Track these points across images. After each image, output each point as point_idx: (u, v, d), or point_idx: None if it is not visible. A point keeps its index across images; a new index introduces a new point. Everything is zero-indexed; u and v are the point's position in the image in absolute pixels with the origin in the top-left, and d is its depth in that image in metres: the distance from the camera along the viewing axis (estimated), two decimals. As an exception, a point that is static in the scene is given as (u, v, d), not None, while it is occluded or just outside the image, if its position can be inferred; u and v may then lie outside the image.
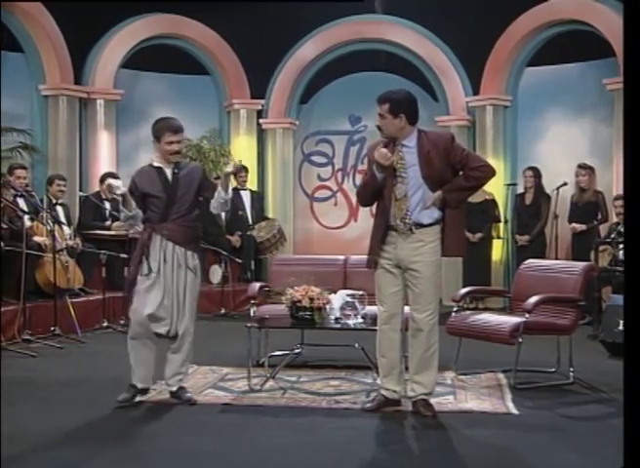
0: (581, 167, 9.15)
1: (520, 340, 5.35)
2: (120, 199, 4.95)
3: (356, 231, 10.84)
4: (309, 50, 11.00)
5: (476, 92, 10.50)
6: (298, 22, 10.77)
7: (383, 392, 4.85)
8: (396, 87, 5.03)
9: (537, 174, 9.54)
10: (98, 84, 10.17)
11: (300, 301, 5.46)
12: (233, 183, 10.26)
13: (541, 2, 9.96)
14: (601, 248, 8.18)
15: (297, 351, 6.16)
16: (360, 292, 5.60)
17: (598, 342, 6.83)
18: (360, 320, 5.47)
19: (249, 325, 5.54)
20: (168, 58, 10.73)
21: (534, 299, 5.46)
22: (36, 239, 7.64)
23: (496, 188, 9.60)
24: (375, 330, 4.91)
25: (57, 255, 7.54)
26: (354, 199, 9.78)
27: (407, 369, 4.86)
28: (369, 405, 4.86)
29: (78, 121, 10.05)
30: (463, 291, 6.31)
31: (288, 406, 4.96)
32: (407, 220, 4.67)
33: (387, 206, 4.70)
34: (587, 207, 9.09)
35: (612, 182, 9.25)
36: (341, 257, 6.93)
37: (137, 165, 7.62)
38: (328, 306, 5.52)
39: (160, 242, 4.92)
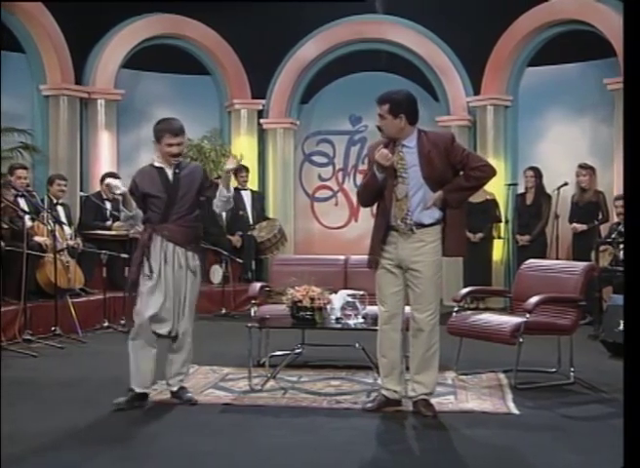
0: (582, 167, 9.15)
1: (521, 340, 5.35)
2: (120, 199, 4.94)
3: (357, 231, 10.84)
4: (310, 50, 11.01)
5: (477, 92, 10.50)
6: (298, 22, 10.78)
7: (384, 392, 4.85)
8: (397, 87, 5.04)
9: (537, 174, 9.54)
10: (98, 84, 10.18)
11: (300, 301, 5.46)
12: (234, 183, 10.31)
13: (542, 2, 9.97)
14: (602, 248, 8.18)
15: (297, 351, 6.16)
16: (361, 293, 5.60)
17: (599, 342, 6.83)
18: (361, 320, 5.47)
19: (249, 325, 5.55)
20: (169, 59, 10.74)
21: (534, 299, 5.46)
22: (37, 239, 7.64)
23: (496, 188, 9.60)
24: (375, 330, 4.91)
25: (57, 255, 7.54)
26: (355, 199, 9.78)
27: (408, 369, 4.86)
28: (370, 405, 4.86)
29: (79, 121, 10.05)
30: (464, 291, 6.32)
31: (289, 406, 4.96)
32: (408, 221, 4.67)
33: (388, 206, 4.70)
34: (588, 207, 9.08)
35: (612, 182, 9.25)
36: (342, 257, 6.93)
37: (137, 165, 7.62)
38: (329, 306, 5.52)
39: (161, 243, 4.91)
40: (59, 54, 9.76)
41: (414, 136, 4.70)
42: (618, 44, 8.93)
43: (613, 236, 8.18)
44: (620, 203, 8.20)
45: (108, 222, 9.06)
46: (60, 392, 5.31)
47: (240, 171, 10.38)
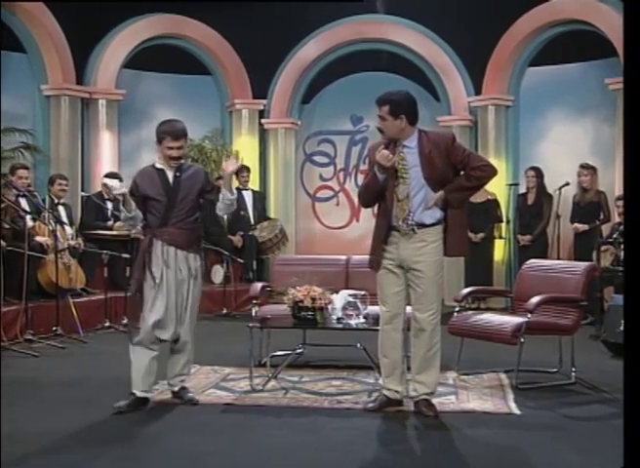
0: (584, 167, 9.15)
1: (522, 340, 5.35)
2: (120, 199, 4.94)
3: (358, 231, 10.84)
4: (311, 50, 11.01)
5: (478, 92, 10.50)
6: (299, 23, 10.78)
7: (385, 392, 4.85)
8: (398, 87, 5.04)
9: (539, 174, 9.54)
10: (100, 84, 10.18)
11: (301, 301, 5.46)
12: (235, 183, 10.31)
13: (543, 2, 9.97)
14: (603, 248, 8.18)
15: (298, 351, 6.16)
16: (362, 292, 5.60)
17: (600, 342, 6.82)
18: (362, 320, 5.46)
19: (251, 325, 5.55)
20: (170, 59, 10.74)
21: (536, 299, 5.46)
22: (38, 239, 7.65)
23: (498, 188, 9.60)
24: (377, 330, 4.91)
25: (59, 255, 7.54)
26: (356, 199, 9.78)
27: (409, 369, 4.86)
28: (371, 405, 4.86)
29: (80, 121, 10.05)
30: (465, 291, 6.32)
31: (290, 406, 4.96)
32: (409, 221, 4.67)
33: (389, 207, 4.70)
34: (589, 207, 9.08)
35: (614, 182, 9.25)
36: (343, 257, 6.93)
37: (138, 165, 7.62)
38: (330, 306, 5.52)
39: (161, 247, 4.88)
40: (60, 54, 9.76)
41: (414, 136, 4.70)
42: (619, 44, 8.93)
43: (614, 236, 8.17)
44: (622, 203, 8.19)
45: (110, 222, 9.06)
46: (61, 392, 5.31)
47: (241, 171, 10.37)
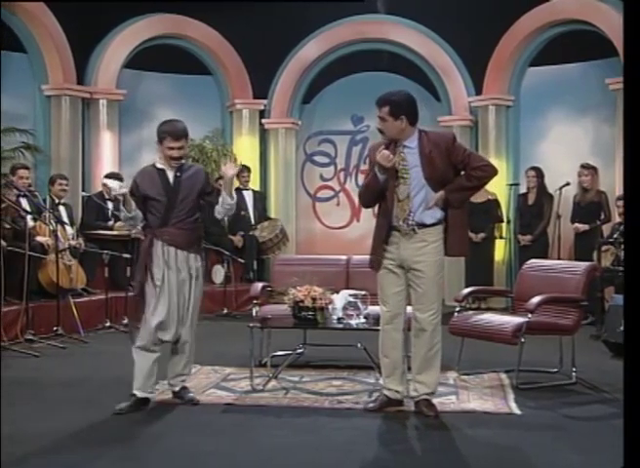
0: (584, 167, 9.15)
1: (522, 340, 5.35)
2: (121, 199, 4.93)
3: (359, 231, 10.84)
4: (312, 50, 11.01)
5: (479, 92, 10.50)
6: (300, 23, 10.78)
7: (386, 392, 4.85)
8: (399, 87, 5.04)
9: (539, 173, 9.54)
10: (100, 84, 10.19)
11: (302, 301, 5.45)
12: (236, 183, 10.32)
13: (544, 2, 9.97)
14: (604, 248, 8.18)
15: (299, 351, 6.16)
16: (362, 292, 5.60)
17: (601, 342, 6.82)
18: (362, 320, 5.46)
19: (251, 325, 5.55)
20: (170, 59, 10.74)
21: (536, 299, 5.46)
22: (39, 239, 7.65)
23: (498, 188, 9.60)
24: (377, 330, 4.92)
25: (59, 255, 7.54)
26: (356, 199, 9.77)
27: (409, 369, 4.86)
28: (371, 405, 4.86)
29: (81, 121, 10.06)
30: (466, 291, 6.32)
31: (290, 406, 4.96)
32: (410, 221, 4.67)
33: (390, 207, 4.70)
34: (590, 207, 9.08)
35: (614, 182, 9.24)
36: (344, 257, 6.94)
37: (139, 165, 7.61)
38: (330, 306, 5.52)
39: (162, 247, 4.88)
40: (60, 54, 9.76)
41: (415, 136, 4.70)
42: (619, 44, 8.93)
43: (615, 236, 8.17)
44: (622, 203, 8.19)
45: (110, 222, 9.07)
46: (61, 392, 5.31)
47: (242, 171, 10.38)
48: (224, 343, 7.15)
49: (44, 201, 8.30)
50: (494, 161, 7.44)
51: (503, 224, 9.78)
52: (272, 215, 10.80)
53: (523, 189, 9.85)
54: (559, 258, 8.60)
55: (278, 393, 5.27)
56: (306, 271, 5.89)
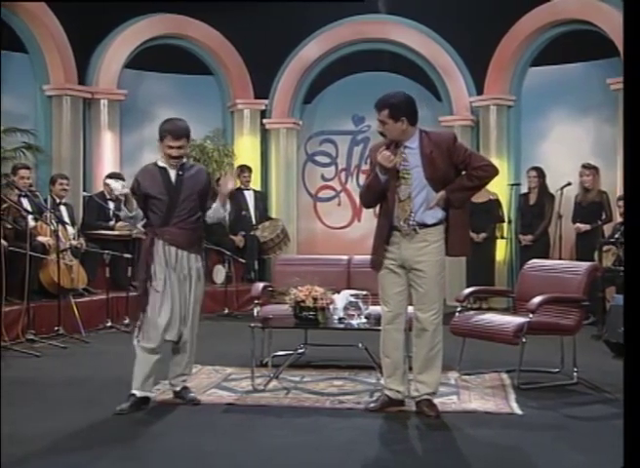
0: (586, 167, 9.14)
1: (524, 340, 5.35)
2: (122, 199, 4.93)
3: (360, 231, 10.83)
4: (313, 50, 11.01)
5: (480, 92, 10.50)
6: (301, 23, 10.78)
7: (387, 392, 4.85)
8: (400, 87, 5.04)
9: (540, 174, 9.54)
10: (101, 84, 10.19)
11: (303, 301, 5.45)
12: (237, 183, 10.33)
13: (545, 2, 9.96)
14: (605, 248, 8.17)
15: (300, 351, 6.15)
16: (364, 292, 5.60)
17: (602, 342, 6.81)
18: (364, 320, 5.46)
19: (252, 325, 5.55)
20: (171, 59, 10.74)
21: (537, 299, 5.46)
22: (40, 239, 7.65)
23: (499, 188, 9.60)
24: (378, 330, 4.92)
25: (60, 255, 7.54)
26: (357, 199, 9.78)
27: (411, 369, 4.86)
28: (372, 405, 4.86)
29: (82, 121, 10.05)
30: (467, 291, 6.33)
31: (291, 406, 4.96)
32: (411, 221, 4.67)
33: (391, 207, 4.69)
34: (591, 207, 9.08)
35: (616, 182, 9.24)
36: (345, 257, 6.94)
37: (140, 165, 7.54)
38: (331, 306, 5.52)
39: (163, 247, 4.87)
40: (61, 54, 9.76)
41: (415, 136, 4.70)
42: (620, 43, 8.92)
43: (616, 236, 8.17)
44: (623, 203, 8.19)
45: (111, 222, 9.07)
46: (62, 392, 5.31)
47: (243, 171, 10.42)
48: (226, 343, 7.15)
49: (45, 201, 8.30)
50: (495, 161, 7.43)
51: (505, 224, 9.78)
52: (273, 215, 10.79)
53: (524, 189, 9.85)
54: (560, 258, 8.59)
55: (279, 393, 5.27)
56: (307, 271, 5.90)
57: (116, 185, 4.95)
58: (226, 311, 9.28)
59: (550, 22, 10.00)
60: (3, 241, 7.01)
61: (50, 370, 6.02)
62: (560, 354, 5.79)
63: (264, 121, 11.09)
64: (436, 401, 4.81)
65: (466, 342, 5.83)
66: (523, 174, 10.02)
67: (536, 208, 9.51)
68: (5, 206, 7.40)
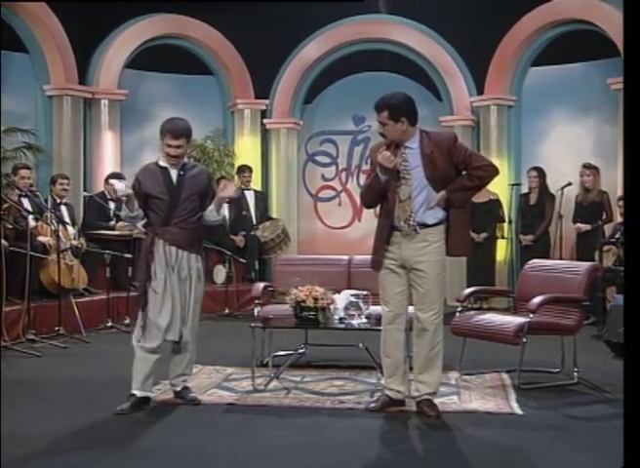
0: (586, 167, 9.14)
1: (524, 340, 5.35)
2: (124, 199, 4.93)
3: (360, 231, 10.83)
4: (313, 50, 11.01)
5: (480, 92, 10.50)
6: (301, 23, 10.78)
7: (387, 392, 4.85)
8: (400, 87, 5.05)
9: (541, 174, 9.54)
10: (102, 84, 10.19)
11: (304, 301, 5.45)
12: (237, 183, 10.33)
13: (545, 2, 9.96)
14: (605, 248, 8.17)
15: (300, 351, 6.15)
16: (364, 293, 5.60)
17: (602, 342, 6.81)
18: (364, 320, 5.46)
19: (253, 325, 5.55)
20: (172, 59, 10.75)
21: (538, 299, 5.46)
22: (41, 239, 7.65)
23: (500, 188, 9.60)
24: (379, 330, 4.92)
25: (61, 255, 7.54)
26: (358, 199, 9.78)
27: (411, 369, 4.86)
28: (373, 405, 4.86)
29: (82, 121, 10.06)
30: (468, 291, 6.32)
31: (292, 406, 4.96)
32: (411, 221, 4.67)
33: (391, 207, 4.70)
34: (592, 207, 9.07)
35: (616, 182, 9.23)
36: (345, 257, 6.94)
37: (141, 165, 7.52)
38: (332, 306, 5.52)
39: (163, 247, 4.87)
40: (62, 54, 9.77)
41: (416, 136, 4.70)
42: (621, 43, 8.92)
43: (616, 236, 8.17)
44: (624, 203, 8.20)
45: (112, 222, 9.07)
46: (63, 392, 5.31)
47: (243, 171, 10.42)
48: (226, 343, 7.15)
49: (45, 201, 8.30)
50: (495, 161, 7.43)
51: (505, 224, 9.78)
52: (274, 215, 10.80)
53: (525, 189, 9.85)
54: (561, 258, 8.60)
55: (280, 393, 5.27)
56: (308, 271, 5.89)
57: (120, 186, 4.94)
58: (227, 311, 9.28)
59: (551, 22, 10.00)
60: (4, 241, 7.01)
61: (50, 370, 6.02)
62: (560, 354, 5.79)
63: (265, 121, 11.09)
64: (437, 401, 4.81)
65: (467, 342, 5.82)
66: (523, 174, 10.02)
67: (536, 208, 9.51)
68: (5, 206, 7.40)
